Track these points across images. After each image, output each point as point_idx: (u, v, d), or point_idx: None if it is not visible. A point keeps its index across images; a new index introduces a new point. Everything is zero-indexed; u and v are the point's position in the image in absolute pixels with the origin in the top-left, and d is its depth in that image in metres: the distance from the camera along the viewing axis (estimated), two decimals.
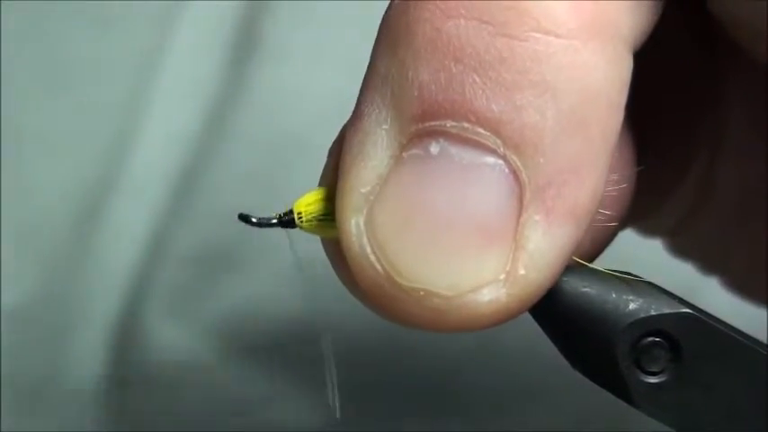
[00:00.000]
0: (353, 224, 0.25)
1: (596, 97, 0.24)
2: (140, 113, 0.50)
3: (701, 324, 0.26)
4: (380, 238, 0.25)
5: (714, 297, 0.33)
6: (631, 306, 0.26)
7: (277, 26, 0.50)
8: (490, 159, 0.24)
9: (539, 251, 0.25)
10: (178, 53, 0.50)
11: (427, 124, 0.24)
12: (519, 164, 0.24)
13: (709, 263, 0.35)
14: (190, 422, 0.48)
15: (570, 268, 0.26)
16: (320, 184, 0.27)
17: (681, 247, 0.35)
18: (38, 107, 0.50)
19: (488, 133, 0.24)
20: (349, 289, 0.27)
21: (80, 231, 0.49)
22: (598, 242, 0.29)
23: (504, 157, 0.24)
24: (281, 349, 0.47)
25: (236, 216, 0.26)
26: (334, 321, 0.45)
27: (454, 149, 0.24)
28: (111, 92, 0.50)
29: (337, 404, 0.28)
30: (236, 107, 0.49)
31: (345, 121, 0.26)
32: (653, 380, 0.26)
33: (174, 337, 0.48)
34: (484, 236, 0.24)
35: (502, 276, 0.24)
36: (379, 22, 0.26)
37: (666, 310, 0.26)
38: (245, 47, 0.50)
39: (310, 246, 0.27)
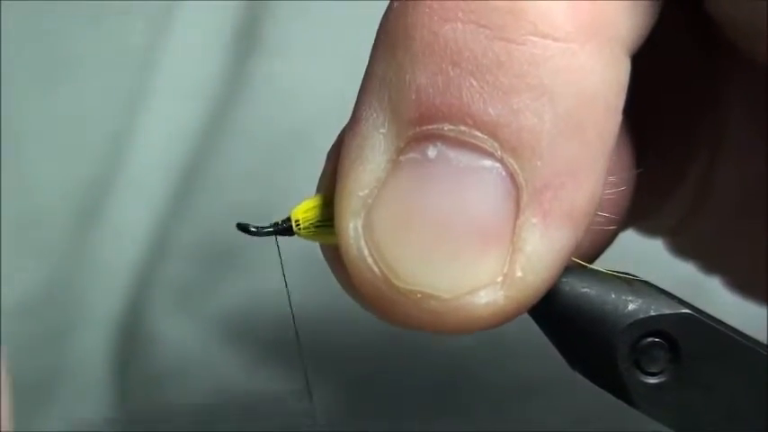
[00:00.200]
0: (351, 227, 0.25)
1: (593, 100, 0.24)
2: (140, 111, 0.50)
3: (701, 324, 0.26)
4: (378, 241, 0.25)
5: (716, 297, 0.33)
6: (631, 307, 0.26)
7: (277, 24, 0.50)
8: (487, 162, 0.24)
9: (536, 254, 0.25)
10: (178, 51, 0.50)
11: (425, 128, 0.24)
12: (516, 167, 0.24)
13: (710, 262, 0.35)
14: (194, 418, 0.48)
15: (569, 269, 0.26)
16: (318, 189, 0.27)
17: (682, 247, 0.35)
18: (37, 106, 0.50)
19: (485, 136, 0.24)
20: (347, 291, 0.27)
21: (81, 229, 0.49)
22: (597, 243, 0.29)
23: (501, 160, 0.24)
24: (284, 345, 0.47)
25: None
26: (334, 320, 0.45)
27: (452, 153, 0.24)
28: (110, 90, 0.50)
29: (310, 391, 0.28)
30: (236, 105, 0.49)
31: (345, 119, 0.26)
32: (652, 380, 0.26)
33: (176, 334, 0.48)
34: (481, 238, 0.24)
35: (499, 279, 0.25)
36: (378, 20, 0.26)
37: (666, 311, 0.26)
38: (244, 44, 0.50)
39: (310, 245, 0.27)
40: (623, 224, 0.30)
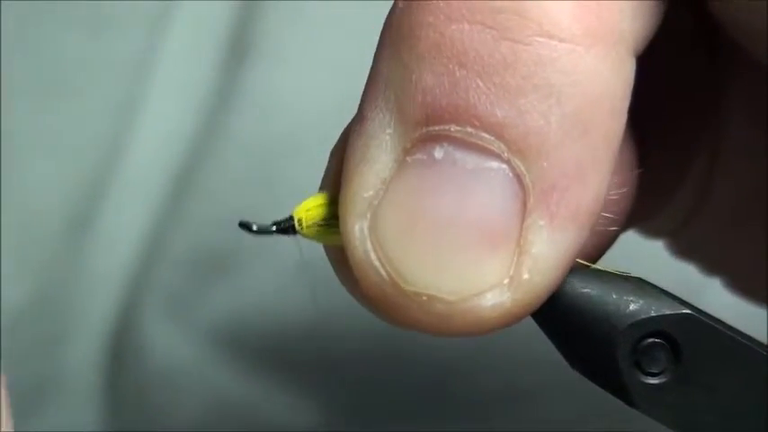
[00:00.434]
0: (357, 229, 0.25)
1: (600, 101, 0.24)
2: (134, 116, 0.49)
3: (702, 325, 0.26)
4: (384, 242, 0.25)
5: (716, 297, 0.34)
6: (632, 307, 0.26)
7: (271, 28, 0.49)
8: (494, 164, 0.24)
9: (542, 255, 0.25)
10: (172, 55, 0.50)
11: (431, 129, 0.24)
12: (523, 168, 0.24)
13: (710, 263, 0.35)
14: (186, 425, 0.48)
15: (571, 269, 0.26)
16: (321, 187, 0.27)
17: (682, 248, 0.35)
18: (31, 110, 0.49)
19: (492, 138, 0.24)
20: (351, 293, 0.27)
21: (75, 235, 0.49)
22: (600, 244, 0.29)
23: (507, 162, 0.24)
24: (277, 352, 0.47)
25: (233, 219, 0.26)
26: (333, 321, 0.45)
27: (458, 154, 0.24)
28: (104, 94, 0.49)
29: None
30: (230, 109, 0.49)
31: (339, 123, 0.26)
32: (653, 381, 0.26)
33: (170, 341, 0.48)
34: (488, 240, 0.24)
35: (506, 281, 0.24)
36: (373, 26, 0.26)
37: (667, 311, 0.26)
38: (238, 48, 0.50)
39: (311, 246, 0.27)
40: (625, 225, 0.30)
